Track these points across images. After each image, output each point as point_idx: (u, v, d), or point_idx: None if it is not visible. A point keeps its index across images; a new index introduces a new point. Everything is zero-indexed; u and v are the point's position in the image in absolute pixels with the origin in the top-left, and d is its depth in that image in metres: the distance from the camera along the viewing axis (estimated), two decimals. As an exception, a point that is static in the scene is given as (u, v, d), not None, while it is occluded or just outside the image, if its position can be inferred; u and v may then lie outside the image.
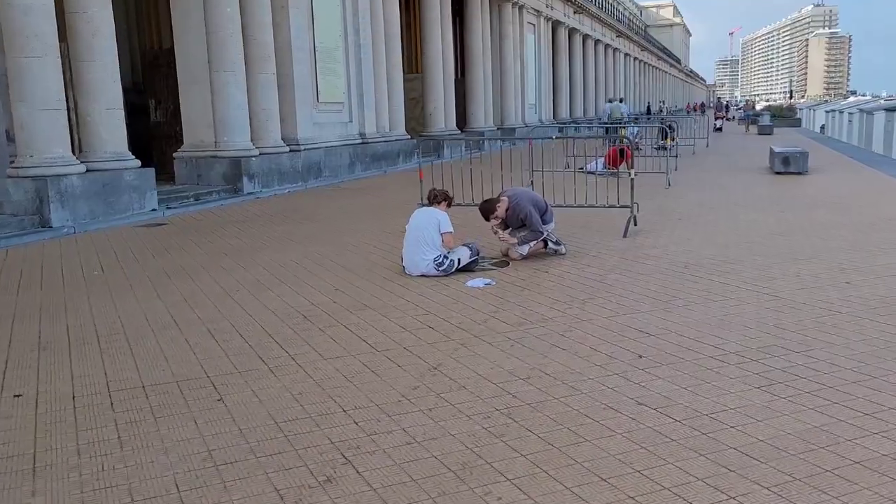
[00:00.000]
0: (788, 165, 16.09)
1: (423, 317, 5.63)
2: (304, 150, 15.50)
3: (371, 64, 18.38)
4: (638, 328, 5.24)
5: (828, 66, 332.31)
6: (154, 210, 11.34)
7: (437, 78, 22.67)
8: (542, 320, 5.47)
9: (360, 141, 18.01)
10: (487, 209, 7.49)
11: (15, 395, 4.23)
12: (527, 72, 32.20)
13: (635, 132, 25.96)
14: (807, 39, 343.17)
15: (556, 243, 7.89)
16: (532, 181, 11.92)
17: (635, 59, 66.49)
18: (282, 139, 14.94)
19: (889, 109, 32.99)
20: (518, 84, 30.73)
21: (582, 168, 15.33)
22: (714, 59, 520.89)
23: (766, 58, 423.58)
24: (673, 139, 24.66)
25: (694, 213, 10.77)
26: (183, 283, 6.95)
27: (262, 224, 10.62)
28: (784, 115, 45.09)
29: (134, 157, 11.40)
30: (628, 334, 5.10)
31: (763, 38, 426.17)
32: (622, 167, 15.57)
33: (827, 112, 54.08)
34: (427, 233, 6.88)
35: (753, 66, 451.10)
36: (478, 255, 7.25)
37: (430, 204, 7.20)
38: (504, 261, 7.48)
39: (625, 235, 8.85)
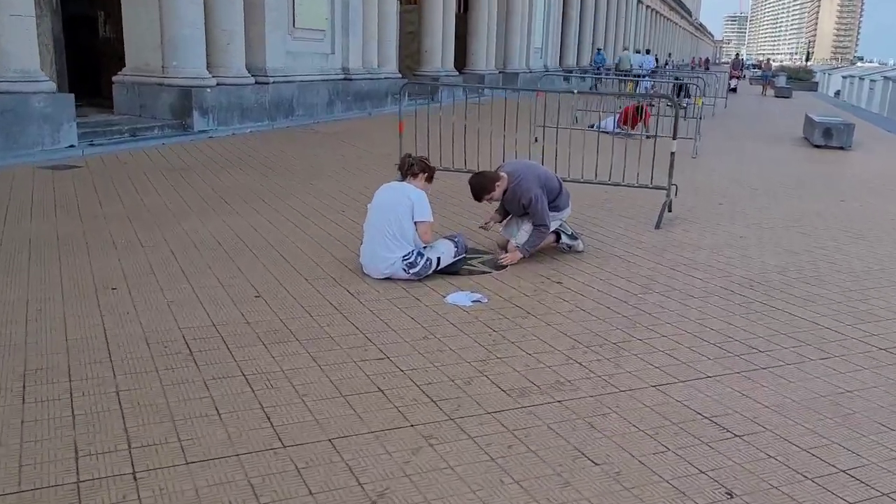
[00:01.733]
0: (830, 138, 14.02)
1: (372, 365, 3.64)
2: (274, 82, 13.23)
3: (360, -13, 15.96)
4: (710, 416, 3.28)
5: (837, 29, 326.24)
6: (72, 147, 9.17)
7: (436, 11, 20.19)
8: (555, 386, 3.50)
9: (342, 76, 15.71)
10: (481, 186, 5.45)
11: None
12: (535, 12, 29.56)
13: (650, 87, 23.74)
14: (819, 1, 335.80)
15: (572, 237, 5.88)
16: (537, 138, 9.94)
17: (648, 6, 63.27)
18: (246, 69, 12.66)
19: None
20: (525, 25, 28.12)
21: (593, 125, 13.27)
22: (723, 14, 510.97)
23: (775, 17, 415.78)
24: (691, 96, 22.57)
25: (735, 194, 8.75)
26: (42, 268, 4.90)
27: (202, 174, 8.51)
28: (801, 78, 42.60)
29: (49, 78, 9.19)
30: (697, 430, 3.15)
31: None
32: (638, 128, 13.57)
33: (844, 77, 51.88)
34: (395, 220, 4.85)
35: (762, 24, 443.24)
36: (465, 252, 5.24)
37: (403, 177, 5.14)
38: (500, 260, 5.47)
39: (658, 226, 6.86)
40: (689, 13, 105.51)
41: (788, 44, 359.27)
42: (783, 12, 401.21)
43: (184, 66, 11.38)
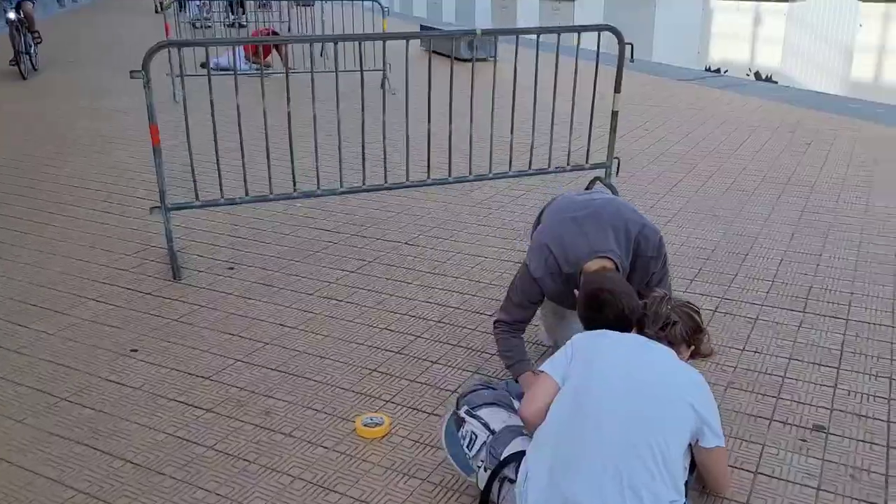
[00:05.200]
0: (477, 50, 13.15)
1: None
2: None
3: None
4: None
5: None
6: None
7: None
8: None
9: None
10: (633, 309, 2.42)
11: None
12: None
13: (199, 4, 19.93)
14: None
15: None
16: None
17: None
18: None
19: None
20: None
21: (203, 64, 9.19)
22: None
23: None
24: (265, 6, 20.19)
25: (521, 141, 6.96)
26: None
27: None
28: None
29: None
30: None
31: None
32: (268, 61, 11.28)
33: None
34: (662, 434, 1.98)
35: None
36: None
37: (660, 334, 2.16)
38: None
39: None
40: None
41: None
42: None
43: None
